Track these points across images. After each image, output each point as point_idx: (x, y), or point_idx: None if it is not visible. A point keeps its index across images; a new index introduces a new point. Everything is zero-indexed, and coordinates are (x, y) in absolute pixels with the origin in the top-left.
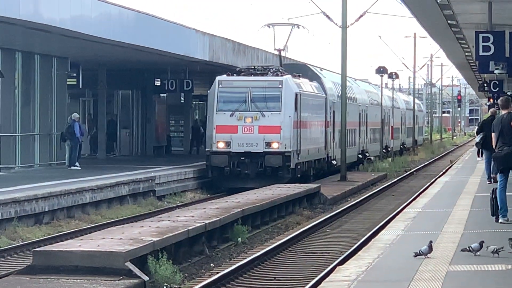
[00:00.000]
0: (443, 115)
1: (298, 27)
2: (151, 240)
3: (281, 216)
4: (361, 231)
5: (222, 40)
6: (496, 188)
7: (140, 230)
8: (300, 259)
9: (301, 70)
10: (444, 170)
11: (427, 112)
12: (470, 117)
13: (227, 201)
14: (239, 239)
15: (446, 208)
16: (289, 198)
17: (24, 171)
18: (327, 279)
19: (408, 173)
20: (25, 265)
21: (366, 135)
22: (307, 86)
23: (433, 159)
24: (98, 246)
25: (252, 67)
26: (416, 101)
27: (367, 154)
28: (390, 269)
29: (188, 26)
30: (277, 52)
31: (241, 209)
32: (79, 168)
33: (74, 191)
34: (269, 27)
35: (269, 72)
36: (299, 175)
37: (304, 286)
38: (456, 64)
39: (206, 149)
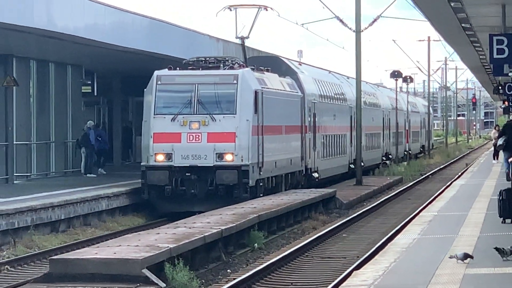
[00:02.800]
0: (458, 118)
1: (266, 9)
2: (168, 246)
3: (297, 221)
4: (378, 235)
5: (236, 46)
6: (504, 190)
7: (157, 237)
8: (317, 264)
9: (271, 63)
10: (459, 173)
11: (442, 115)
12: (485, 120)
13: (243, 207)
14: (256, 244)
15: (462, 211)
16: (305, 203)
17: (40, 179)
18: (344, 283)
19: (423, 176)
20: (42, 273)
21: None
22: (275, 82)
23: (448, 163)
24: (115, 253)
25: (202, 58)
26: (422, 102)
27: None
28: (407, 273)
29: (202, 32)
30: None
31: (257, 214)
32: (95, 175)
33: (90, 199)
34: (231, 9)
35: (221, 65)
36: (261, 194)
37: None
38: (471, 67)
39: (142, 163)
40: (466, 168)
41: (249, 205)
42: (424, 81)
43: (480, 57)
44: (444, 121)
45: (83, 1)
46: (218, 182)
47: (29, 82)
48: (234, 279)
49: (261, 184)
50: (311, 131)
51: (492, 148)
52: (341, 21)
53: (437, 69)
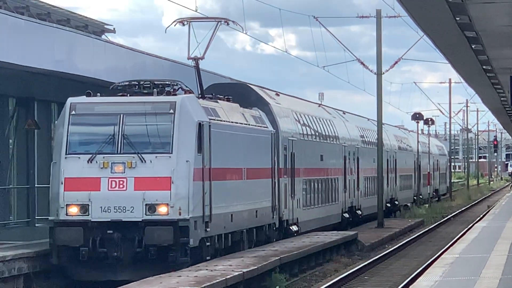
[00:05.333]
0: (480, 160)
1: (228, 23)
2: None
3: (319, 264)
4: (399, 278)
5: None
6: None
7: (178, 280)
8: None
9: (238, 92)
10: (481, 216)
11: (463, 157)
12: (506, 162)
13: (264, 250)
14: (277, 287)
15: (484, 253)
16: (326, 246)
17: None
18: None
19: (445, 219)
20: None
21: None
22: (233, 114)
23: (470, 205)
24: None
25: (136, 82)
26: (437, 142)
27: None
28: None
29: (222, 75)
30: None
31: (279, 257)
32: None
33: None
34: (184, 24)
35: (155, 90)
36: (208, 257)
37: None
38: (492, 109)
39: (50, 217)
40: (488, 210)
41: (271, 247)
42: (445, 123)
43: (501, 99)
44: (466, 163)
45: (105, 44)
46: (148, 242)
47: (50, 125)
48: None
49: (208, 244)
50: (288, 175)
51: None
52: (362, 63)
53: (458, 111)
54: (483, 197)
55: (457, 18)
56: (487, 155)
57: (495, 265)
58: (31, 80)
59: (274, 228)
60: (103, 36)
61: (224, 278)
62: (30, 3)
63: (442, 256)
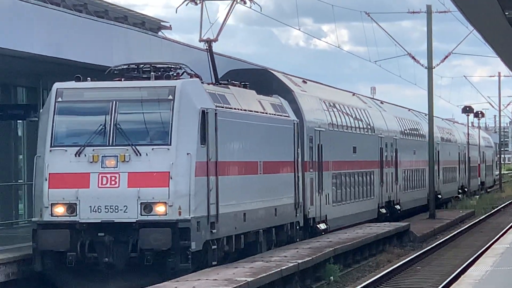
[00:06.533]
0: None
1: (245, 2)
2: (245, 280)
3: (372, 255)
4: (451, 268)
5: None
6: None
7: (235, 271)
8: None
9: (259, 79)
10: None
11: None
12: None
13: (318, 241)
14: (331, 277)
15: None
16: (379, 237)
17: None
18: None
19: (495, 210)
20: None
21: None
22: (248, 102)
23: None
24: (194, 287)
25: (135, 65)
26: (484, 134)
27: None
28: None
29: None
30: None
31: (333, 248)
32: None
33: None
34: (196, 3)
35: (152, 74)
36: (215, 262)
37: None
38: None
39: (33, 218)
40: None
41: (325, 239)
42: (495, 116)
43: None
44: None
45: (161, 41)
46: (144, 246)
47: None
48: None
49: (214, 247)
50: (315, 169)
51: None
52: (413, 58)
53: (508, 104)
54: None
55: (506, 13)
56: None
57: None
58: (90, 77)
59: (298, 227)
60: (159, 33)
61: (279, 269)
62: (89, 1)
63: (493, 246)
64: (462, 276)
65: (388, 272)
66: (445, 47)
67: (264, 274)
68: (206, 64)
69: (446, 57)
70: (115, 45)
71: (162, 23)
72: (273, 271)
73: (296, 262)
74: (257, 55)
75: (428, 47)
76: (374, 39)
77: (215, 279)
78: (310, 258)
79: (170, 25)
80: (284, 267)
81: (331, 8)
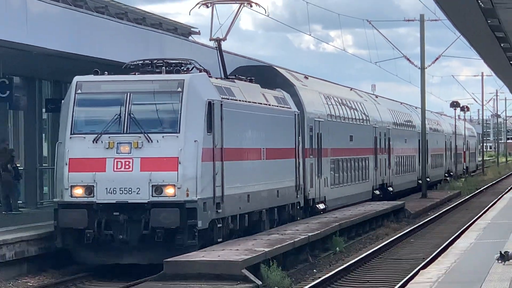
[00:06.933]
0: (508, 141)
1: (251, 5)
2: (263, 250)
3: (372, 229)
4: (440, 240)
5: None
6: None
7: (254, 242)
8: (389, 264)
9: (264, 74)
10: (509, 188)
11: (494, 139)
12: None
13: (326, 217)
14: (337, 248)
15: None
16: (378, 213)
17: None
18: (412, 281)
19: (478, 190)
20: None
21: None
22: (252, 94)
23: (499, 179)
24: (219, 256)
25: (149, 61)
26: (468, 125)
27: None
28: (465, 272)
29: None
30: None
31: (339, 223)
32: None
33: None
34: (207, 6)
35: (164, 68)
36: (220, 239)
37: (393, 287)
38: None
39: (55, 199)
40: None
41: (331, 215)
42: (478, 110)
43: None
44: (496, 144)
45: (191, 44)
46: (154, 224)
47: None
48: (319, 277)
49: (219, 225)
50: (315, 155)
51: None
52: (408, 59)
53: (490, 100)
54: (511, 172)
55: (489, 21)
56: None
57: None
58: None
59: (299, 207)
60: (189, 37)
61: (292, 240)
62: (129, 10)
63: (476, 222)
64: (450, 248)
65: (386, 244)
66: (436, 50)
67: (279, 245)
68: (229, 63)
69: (437, 59)
70: (151, 47)
71: (192, 29)
72: (287, 243)
73: (307, 234)
74: (273, 57)
75: (421, 50)
76: (374, 43)
77: (237, 249)
78: (319, 231)
79: (199, 31)
80: (296, 239)
81: (337, 16)
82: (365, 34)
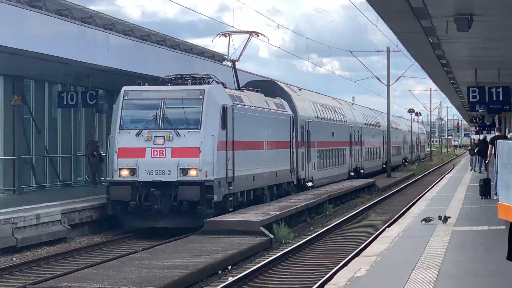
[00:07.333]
0: (448, 137)
1: (258, 35)
2: (275, 213)
3: (352, 199)
4: (400, 207)
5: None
6: (482, 179)
7: (268, 207)
8: (364, 224)
9: (268, 87)
10: (449, 170)
11: (438, 135)
12: (464, 138)
13: (319, 190)
14: (327, 212)
15: (451, 192)
16: (357, 188)
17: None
18: (381, 235)
19: (427, 172)
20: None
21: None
22: (257, 101)
23: (442, 164)
24: (243, 217)
25: (179, 75)
26: (420, 126)
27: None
28: (418, 229)
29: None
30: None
31: (328, 194)
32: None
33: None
34: (226, 36)
35: (190, 81)
36: (231, 209)
37: (367, 239)
38: (456, 106)
39: (107, 178)
40: (453, 167)
41: (323, 189)
42: (427, 115)
43: (461, 100)
44: (440, 139)
45: (225, 68)
46: (181, 198)
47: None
48: (315, 233)
49: (231, 198)
50: (305, 146)
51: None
52: (378, 79)
53: (436, 108)
54: (450, 159)
55: (436, 52)
56: (452, 134)
57: (458, 200)
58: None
59: (292, 185)
60: (224, 62)
61: (295, 206)
62: (180, 42)
63: (426, 194)
64: (407, 212)
65: (361, 209)
66: (398, 72)
67: (286, 210)
68: (246, 78)
69: (398, 78)
70: (197, 71)
71: (224, 56)
72: (291, 208)
73: (305, 202)
74: (282, 76)
75: (387, 73)
76: (354, 67)
77: (256, 213)
78: (314, 200)
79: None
80: (298, 206)
81: (328, 48)
82: (348, 61)
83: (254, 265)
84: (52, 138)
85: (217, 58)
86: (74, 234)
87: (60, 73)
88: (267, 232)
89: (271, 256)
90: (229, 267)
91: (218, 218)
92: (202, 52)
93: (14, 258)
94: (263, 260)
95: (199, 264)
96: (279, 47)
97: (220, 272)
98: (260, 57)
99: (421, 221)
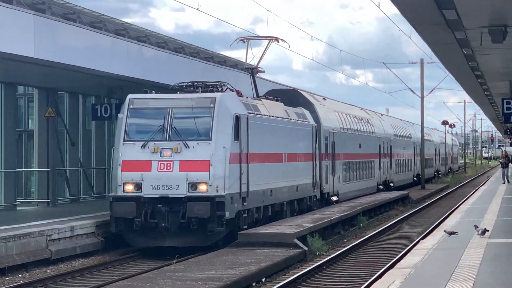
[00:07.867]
0: (482, 149)
1: (278, 41)
2: (309, 225)
3: (386, 211)
4: (435, 219)
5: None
6: None
7: (302, 220)
8: (398, 236)
9: (290, 96)
10: (484, 182)
11: (473, 147)
12: (498, 150)
13: (353, 202)
14: (361, 224)
15: (486, 204)
16: (390, 200)
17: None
18: (415, 247)
19: (461, 184)
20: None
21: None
22: (275, 110)
23: (476, 176)
24: (277, 229)
25: (190, 83)
26: (453, 137)
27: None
28: (453, 242)
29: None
30: (262, 72)
31: (362, 206)
32: None
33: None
34: (244, 42)
35: (200, 88)
36: (245, 226)
37: (402, 251)
38: (490, 118)
39: (110, 193)
40: (487, 179)
41: (357, 201)
42: (461, 126)
43: (496, 112)
44: (474, 151)
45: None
46: (190, 214)
47: None
48: (348, 245)
49: (245, 215)
50: (329, 158)
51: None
52: (412, 90)
53: (470, 119)
54: (484, 171)
55: (470, 63)
56: (486, 146)
57: (492, 212)
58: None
59: (315, 199)
60: (257, 74)
61: (329, 218)
62: (214, 55)
63: (460, 206)
64: (441, 225)
65: (395, 221)
66: (432, 84)
67: (320, 222)
68: (269, 87)
69: (432, 90)
70: (231, 82)
71: (258, 68)
72: (325, 220)
73: (339, 214)
74: (316, 89)
75: (421, 84)
76: (388, 79)
77: (290, 225)
78: (348, 212)
79: (263, 70)
80: (332, 218)
81: (362, 60)
82: (381, 73)
83: (288, 277)
84: (86, 150)
85: (240, 66)
86: (108, 246)
87: (94, 85)
88: (301, 244)
89: (305, 268)
90: (263, 279)
91: (252, 230)
92: (236, 64)
93: (48, 270)
94: (297, 272)
95: (233, 276)
96: (312, 59)
97: (254, 284)
98: (293, 69)
99: (444, 231)
